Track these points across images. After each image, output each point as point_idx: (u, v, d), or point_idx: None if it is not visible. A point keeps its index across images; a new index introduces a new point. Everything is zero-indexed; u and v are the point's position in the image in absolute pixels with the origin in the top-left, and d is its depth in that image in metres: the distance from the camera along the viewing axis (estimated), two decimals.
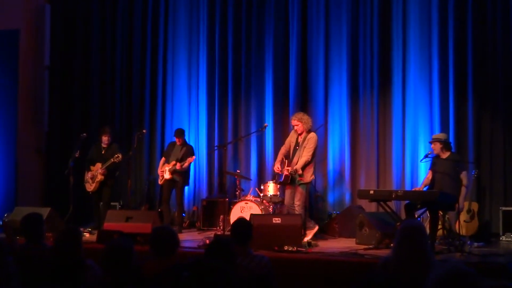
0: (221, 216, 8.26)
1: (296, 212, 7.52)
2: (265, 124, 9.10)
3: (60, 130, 10.54)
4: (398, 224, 6.87)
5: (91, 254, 4.24)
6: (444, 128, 8.56)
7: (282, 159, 7.87)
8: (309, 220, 7.88)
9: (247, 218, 6.83)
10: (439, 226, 7.11)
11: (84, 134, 8.98)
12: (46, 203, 9.72)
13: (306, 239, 7.24)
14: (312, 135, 7.74)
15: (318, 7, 9.49)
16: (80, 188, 8.90)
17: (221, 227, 8.12)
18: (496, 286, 4.65)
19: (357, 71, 9.30)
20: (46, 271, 3.87)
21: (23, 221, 4.61)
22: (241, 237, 4.28)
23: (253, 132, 9.46)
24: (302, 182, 7.62)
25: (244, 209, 8.11)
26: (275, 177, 8.50)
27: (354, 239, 7.56)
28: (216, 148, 9.55)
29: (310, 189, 8.50)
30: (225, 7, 10.02)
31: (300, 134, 7.77)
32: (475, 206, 8.05)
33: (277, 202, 8.36)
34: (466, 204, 7.87)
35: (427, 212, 7.10)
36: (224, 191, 8.30)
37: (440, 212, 7.15)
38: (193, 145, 9.17)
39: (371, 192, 7.30)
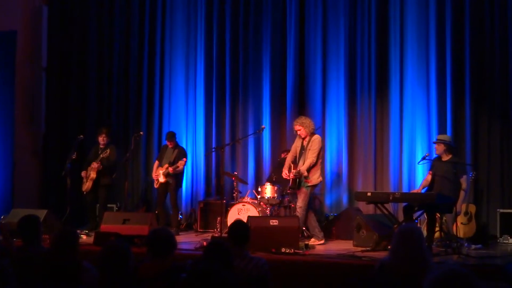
0: (218, 218, 8.24)
1: (298, 215, 7.51)
2: (263, 126, 9.10)
3: (57, 131, 10.53)
4: (395, 226, 6.88)
5: (88, 256, 4.23)
6: (441, 130, 8.56)
7: (290, 165, 7.83)
8: (320, 230, 7.82)
9: (245, 220, 6.82)
10: (437, 228, 7.12)
11: (81, 135, 8.98)
12: (43, 205, 9.71)
13: (310, 241, 7.25)
14: (316, 137, 7.72)
15: (315, 9, 9.50)
16: (77, 190, 8.89)
17: (218, 229, 8.11)
18: None
19: (354, 73, 9.31)
20: (42, 273, 3.86)
21: (20, 223, 4.59)
22: (238, 239, 4.27)
23: (251, 134, 9.46)
24: (308, 184, 7.60)
25: (242, 211, 8.11)
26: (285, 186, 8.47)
27: (352, 241, 7.55)
28: (213, 150, 9.54)
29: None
30: (223, 9, 10.03)
31: (304, 138, 7.76)
32: (472, 208, 8.05)
33: (274, 204, 8.35)
34: (464, 206, 7.88)
35: (425, 214, 7.10)
36: (221, 193, 8.29)
37: (438, 214, 7.15)
38: (191, 147, 9.18)
39: (369, 194, 7.30)
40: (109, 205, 9.28)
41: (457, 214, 7.03)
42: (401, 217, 7.50)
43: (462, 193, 6.98)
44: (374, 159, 9.09)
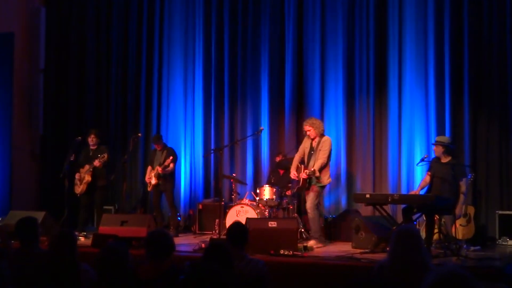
0: (217, 220, 8.23)
1: (309, 216, 7.50)
2: (261, 128, 9.09)
3: (55, 133, 10.52)
4: (394, 228, 6.86)
5: (86, 258, 4.22)
6: (440, 132, 8.56)
7: (298, 165, 7.81)
8: (324, 236, 7.78)
9: (243, 222, 6.81)
10: (435, 230, 7.11)
11: (79, 137, 8.94)
12: (41, 206, 9.69)
13: (309, 243, 7.24)
14: (326, 138, 7.69)
15: (314, 10, 9.50)
16: (75, 192, 8.86)
17: (217, 231, 8.10)
18: None
19: (353, 75, 9.30)
20: (41, 275, 3.85)
21: (18, 225, 4.59)
22: (237, 241, 4.26)
23: (249, 136, 9.45)
24: (319, 184, 7.59)
25: (240, 213, 8.10)
26: (290, 188, 8.45)
27: (350, 243, 7.55)
28: (212, 151, 9.53)
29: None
30: (221, 11, 10.03)
31: (313, 139, 7.74)
32: (471, 210, 8.04)
33: (273, 206, 8.34)
34: (462, 208, 7.87)
35: (423, 216, 7.09)
36: (220, 195, 8.28)
37: (436, 216, 7.14)
38: (189, 149, 9.19)
39: (367, 196, 7.29)
40: (106, 207, 9.25)
41: (456, 218, 7.02)
42: (400, 219, 7.50)
43: (461, 197, 6.96)
44: (373, 161, 9.09)
